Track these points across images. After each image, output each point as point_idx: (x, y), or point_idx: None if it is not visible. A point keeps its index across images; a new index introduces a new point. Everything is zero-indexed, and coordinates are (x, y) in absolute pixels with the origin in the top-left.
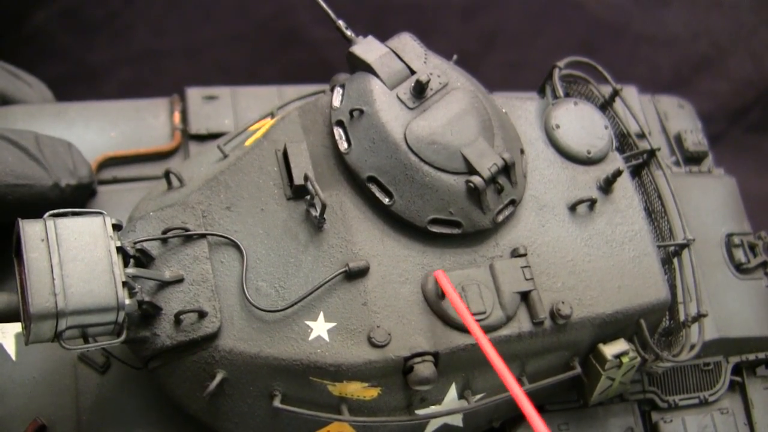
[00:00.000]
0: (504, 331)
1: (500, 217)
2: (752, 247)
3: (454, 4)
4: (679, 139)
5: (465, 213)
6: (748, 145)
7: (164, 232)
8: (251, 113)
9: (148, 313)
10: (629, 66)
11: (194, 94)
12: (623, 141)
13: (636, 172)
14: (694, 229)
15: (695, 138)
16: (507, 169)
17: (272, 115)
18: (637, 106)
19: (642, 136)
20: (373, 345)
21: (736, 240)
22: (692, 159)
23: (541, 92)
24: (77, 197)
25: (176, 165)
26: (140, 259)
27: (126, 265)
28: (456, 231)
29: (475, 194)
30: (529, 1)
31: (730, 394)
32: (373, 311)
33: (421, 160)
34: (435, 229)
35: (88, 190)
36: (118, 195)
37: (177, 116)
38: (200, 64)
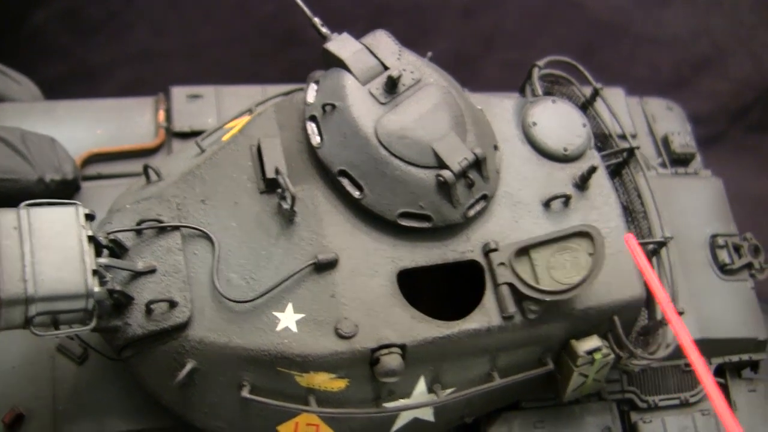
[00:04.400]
0: (473, 325)
1: (471, 212)
2: (737, 248)
3: (454, 4)
4: (666, 141)
5: (435, 207)
6: (748, 145)
7: (138, 224)
8: (234, 112)
9: (120, 303)
10: (629, 66)
11: (179, 92)
12: (604, 141)
13: (616, 172)
14: (678, 229)
15: (682, 140)
16: (478, 164)
17: (250, 111)
18: (624, 108)
19: (623, 138)
20: (340, 336)
21: (721, 241)
22: (679, 161)
23: (522, 91)
24: (62, 192)
25: (158, 161)
26: (114, 249)
27: (99, 255)
28: (426, 225)
29: (445, 188)
30: (529, 1)
31: None
32: (341, 303)
33: (392, 154)
34: (405, 222)
35: (73, 185)
36: (101, 191)
37: (162, 114)
38: (200, 64)
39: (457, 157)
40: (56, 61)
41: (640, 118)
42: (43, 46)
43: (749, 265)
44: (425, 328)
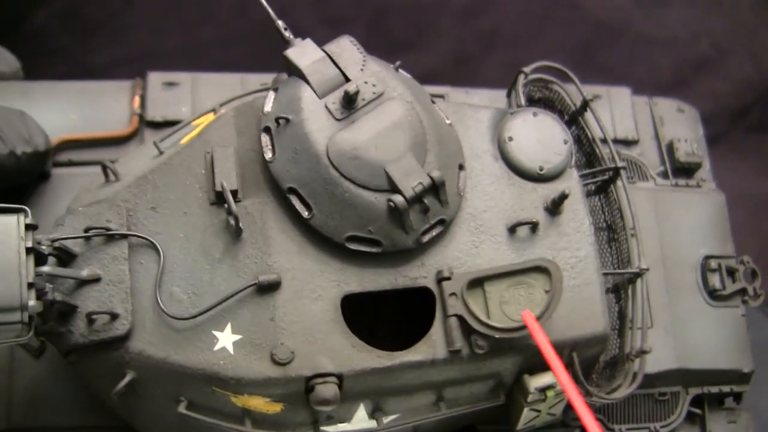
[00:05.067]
0: (416, 357)
1: (426, 237)
2: (731, 272)
3: (454, 4)
4: (671, 148)
5: (385, 232)
6: (748, 146)
7: (87, 230)
8: (211, 102)
9: (64, 310)
10: (629, 66)
11: (155, 79)
12: (592, 154)
13: (602, 188)
14: (668, 248)
15: (688, 147)
16: (435, 188)
17: (214, 111)
18: (628, 110)
19: (624, 143)
20: (275, 362)
21: (713, 263)
22: (683, 170)
23: (510, 96)
24: (34, 165)
25: (120, 157)
26: (61, 256)
27: (44, 262)
28: (375, 249)
29: (396, 214)
30: (529, 1)
31: (689, 427)
32: (279, 327)
33: (342, 175)
34: (353, 246)
35: (45, 158)
36: (72, 179)
37: (137, 101)
38: (200, 64)
39: (412, 182)
40: (56, 61)
41: (646, 120)
42: (43, 46)
43: (743, 291)
44: (365, 358)
